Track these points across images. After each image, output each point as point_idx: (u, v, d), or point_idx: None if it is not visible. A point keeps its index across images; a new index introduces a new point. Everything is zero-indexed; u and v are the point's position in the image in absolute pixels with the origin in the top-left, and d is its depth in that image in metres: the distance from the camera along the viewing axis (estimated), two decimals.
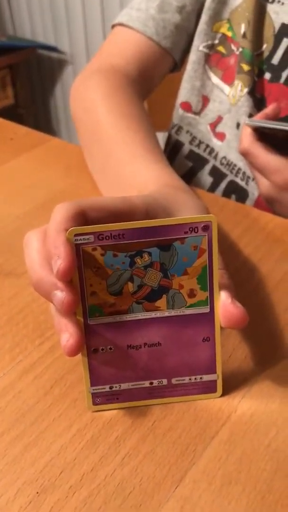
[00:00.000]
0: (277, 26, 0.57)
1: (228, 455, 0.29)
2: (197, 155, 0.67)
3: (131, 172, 0.44)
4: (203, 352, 0.31)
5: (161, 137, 0.78)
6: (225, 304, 0.30)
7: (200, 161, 0.67)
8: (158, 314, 0.30)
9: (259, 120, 0.50)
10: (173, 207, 0.34)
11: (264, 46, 0.58)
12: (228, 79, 0.62)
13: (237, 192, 0.64)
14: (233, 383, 0.33)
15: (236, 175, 0.64)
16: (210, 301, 0.30)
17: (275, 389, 0.33)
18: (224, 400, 0.32)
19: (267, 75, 0.58)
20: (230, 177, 0.64)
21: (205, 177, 0.67)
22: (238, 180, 0.63)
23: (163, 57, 0.63)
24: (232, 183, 0.64)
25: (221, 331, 0.31)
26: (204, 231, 0.29)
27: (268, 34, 0.58)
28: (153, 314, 0.30)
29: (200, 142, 0.67)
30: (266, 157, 0.49)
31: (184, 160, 0.69)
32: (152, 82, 0.65)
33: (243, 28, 0.58)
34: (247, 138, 0.51)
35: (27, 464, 0.29)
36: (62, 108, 2.02)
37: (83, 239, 0.28)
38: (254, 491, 0.28)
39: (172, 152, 0.70)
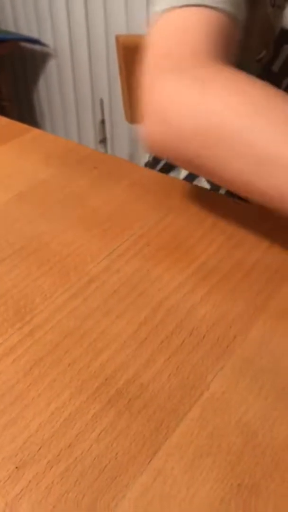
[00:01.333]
0: (276, 30, 0.56)
1: (200, 430, 0.31)
2: None
3: None
4: None
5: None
6: None
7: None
8: None
9: None
10: None
11: (264, 51, 0.57)
12: None
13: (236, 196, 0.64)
14: (206, 364, 0.34)
15: None
16: None
17: (246, 369, 0.34)
18: (196, 379, 0.34)
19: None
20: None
21: (203, 183, 0.68)
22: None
23: (234, 27, 0.46)
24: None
25: (195, 314, 0.33)
26: None
27: (268, 39, 0.57)
28: None
29: None
30: None
31: (181, 169, 0.70)
32: (232, 50, 0.47)
33: None
34: None
35: (6, 441, 0.30)
36: (46, 101, 2.01)
37: None
38: (224, 463, 0.29)
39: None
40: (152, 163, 0.78)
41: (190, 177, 0.70)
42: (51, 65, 1.92)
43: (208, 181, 0.68)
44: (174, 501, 0.28)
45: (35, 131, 0.61)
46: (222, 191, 0.66)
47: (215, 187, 0.67)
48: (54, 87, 1.96)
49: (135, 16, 1.54)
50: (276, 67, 0.58)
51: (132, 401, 0.32)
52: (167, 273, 0.42)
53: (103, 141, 1.87)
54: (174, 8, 0.45)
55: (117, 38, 0.88)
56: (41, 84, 2.00)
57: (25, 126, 0.62)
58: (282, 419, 0.31)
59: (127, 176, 0.53)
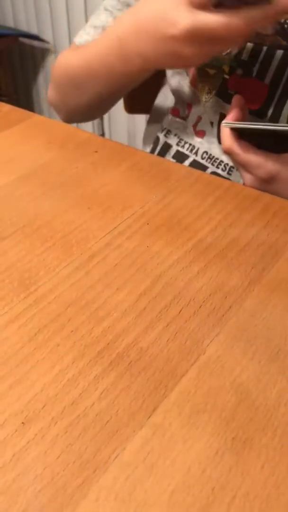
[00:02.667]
0: None
1: (197, 390, 0.32)
2: (181, 153, 0.71)
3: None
4: None
5: (140, 118, 0.81)
6: None
7: (181, 158, 0.71)
8: None
9: (233, 122, 0.55)
10: None
11: None
12: (193, 82, 0.66)
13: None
14: (202, 330, 0.36)
15: (217, 167, 0.67)
16: None
17: (240, 335, 0.36)
18: (193, 344, 0.35)
19: (239, 71, 0.61)
20: (211, 169, 0.68)
21: None
22: (219, 171, 0.67)
23: None
24: (213, 174, 0.67)
25: (194, 285, 0.34)
26: None
27: None
28: None
29: (185, 142, 0.71)
30: (246, 155, 0.54)
31: (170, 159, 0.73)
32: None
33: None
34: (227, 138, 0.55)
35: (12, 400, 0.32)
36: (45, 97, 2.03)
37: None
38: (219, 419, 0.31)
39: (161, 153, 0.73)
40: None
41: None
42: (51, 61, 1.93)
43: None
44: (171, 453, 0.29)
45: (36, 117, 0.63)
46: (220, 172, 0.68)
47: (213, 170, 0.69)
48: None
49: None
50: (245, 56, 0.60)
51: (133, 364, 0.34)
52: (165, 249, 0.43)
53: (101, 136, 1.88)
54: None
55: None
56: (40, 80, 2.01)
57: (27, 112, 0.63)
58: (274, 381, 0.33)
59: (127, 159, 0.55)
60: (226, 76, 0.62)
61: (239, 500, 0.27)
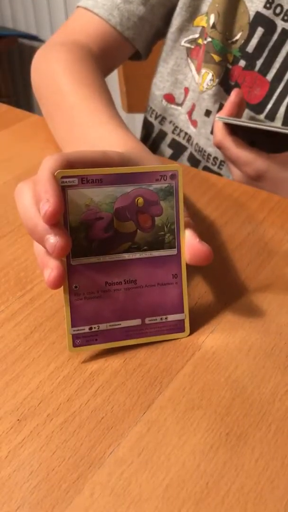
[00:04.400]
0: (252, 14, 0.59)
1: (192, 386, 0.33)
2: (178, 143, 0.71)
3: (97, 138, 0.46)
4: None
5: (139, 118, 0.81)
6: (191, 242, 0.33)
7: (179, 148, 0.71)
8: (131, 255, 0.33)
9: (227, 117, 0.55)
10: (143, 164, 0.37)
11: (239, 34, 0.60)
12: (198, 68, 0.65)
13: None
14: (198, 325, 0.36)
15: (207, 161, 0.67)
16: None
17: (235, 331, 0.36)
18: (189, 340, 0.35)
19: (242, 63, 0.61)
20: (203, 163, 0.68)
21: (184, 163, 0.71)
22: (209, 165, 0.67)
23: (125, 45, 0.64)
24: (205, 169, 0.67)
25: (190, 281, 0.34)
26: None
27: (243, 22, 0.60)
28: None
29: (180, 131, 0.70)
30: (237, 150, 0.54)
31: (167, 148, 0.72)
32: (111, 64, 0.66)
33: (212, 19, 0.61)
34: (219, 132, 0.55)
35: (8, 397, 0.32)
36: None
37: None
38: (214, 414, 0.31)
39: (157, 141, 0.73)
40: None
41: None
42: None
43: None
44: (166, 448, 0.29)
45: (33, 116, 0.63)
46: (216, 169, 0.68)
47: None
48: None
49: None
50: (250, 48, 0.60)
51: (128, 361, 0.34)
52: None
53: None
54: (78, 7, 0.65)
55: None
56: None
57: (24, 112, 0.64)
58: (269, 376, 0.33)
59: None
60: (229, 66, 0.62)
61: (233, 494, 0.27)
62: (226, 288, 0.39)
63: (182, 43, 0.66)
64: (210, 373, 0.33)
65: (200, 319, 0.37)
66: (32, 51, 1.95)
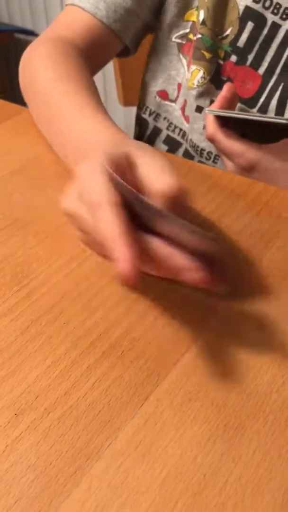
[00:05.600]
0: (241, 8, 0.58)
1: (189, 378, 0.33)
2: (173, 139, 0.71)
3: (82, 133, 0.45)
4: None
5: (133, 112, 0.81)
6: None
7: (174, 145, 0.71)
8: None
9: (217, 110, 0.55)
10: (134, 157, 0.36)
11: (230, 29, 0.60)
12: (188, 64, 0.65)
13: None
14: (194, 320, 0.36)
15: (201, 156, 0.67)
16: None
17: (231, 323, 0.36)
18: (186, 333, 0.35)
19: (234, 58, 0.61)
20: (197, 158, 0.68)
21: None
22: (204, 160, 0.67)
23: (112, 39, 0.63)
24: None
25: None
26: None
27: (233, 17, 0.59)
28: None
29: (175, 127, 0.70)
30: (229, 142, 0.54)
31: (161, 145, 0.72)
32: (99, 60, 0.65)
33: (202, 15, 0.60)
34: (211, 125, 0.55)
35: (5, 391, 0.32)
36: None
37: None
38: (211, 406, 0.31)
39: (151, 138, 0.73)
40: None
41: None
42: None
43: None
44: (163, 441, 0.29)
45: (27, 111, 0.62)
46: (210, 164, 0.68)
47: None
48: None
49: None
50: (241, 43, 0.60)
51: (125, 353, 0.34)
52: None
53: None
54: (67, 4, 0.64)
55: None
56: None
57: (18, 106, 0.63)
58: (266, 369, 0.33)
59: None
60: (221, 62, 0.62)
61: (230, 485, 0.27)
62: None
63: (174, 39, 0.65)
64: (207, 365, 0.33)
65: (197, 311, 0.37)
66: (28, 46, 1.95)
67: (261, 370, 0.33)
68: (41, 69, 0.55)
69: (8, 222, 0.46)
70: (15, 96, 2.33)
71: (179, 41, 0.65)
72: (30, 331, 0.36)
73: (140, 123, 0.74)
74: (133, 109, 0.85)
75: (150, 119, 0.72)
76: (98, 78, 0.61)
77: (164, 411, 0.31)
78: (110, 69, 0.92)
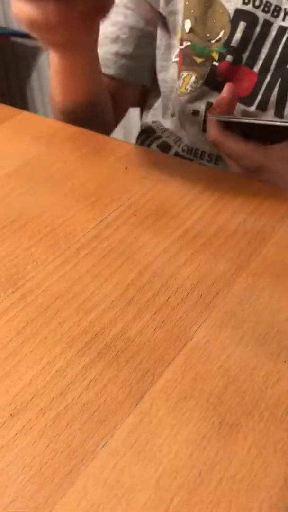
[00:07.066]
0: (231, 12, 0.59)
1: (184, 376, 0.33)
2: (165, 143, 0.71)
3: None
4: None
5: (135, 113, 0.81)
6: None
7: (165, 149, 0.71)
8: None
9: (221, 115, 0.55)
10: None
11: (222, 32, 0.60)
12: (178, 72, 0.66)
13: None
14: (189, 317, 0.36)
15: (201, 158, 0.67)
16: None
17: (228, 320, 0.36)
18: (180, 332, 0.35)
19: (229, 58, 0.61)
20: (197, 161, 0.68)
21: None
22: (205, 162, 0.67)
23: (126, 87, 0.69)
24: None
25: (181, 273, 0.34)
26: None
27: (224, 21, 0.60)
28: None
29: (171, 134, 0.71)
30: (233, 145, 0.54)
31: (156, 149, 0.73)
32: (122, 106, 0.72)
33: (189, 24, 0.61)
34: (213, 129, 0.55)
35: (0, 392, 0.32)
36: (39, 96, 2.03)
37: None
38: (206, 404, 0.31)
39: (149, 143, 0.74)
40: None
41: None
42: (43, 60, 1.93)
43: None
44: (158, 439, 0.29)
45: (24, 113, 0.63)
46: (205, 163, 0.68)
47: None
48: (46, 81, 1.97)
49: None
50: (234, 43, 0.60)
51: (120, 353, 0.34)
52: (153, 239, 0.43)
53: None
54: None
55: None
56: (34, 78, 2.01)
57: (15, 109, 0.63)
58: (261, 365, 0.33)
59: (114, 152, 0.55)
60: (216, 63, 0.62)
61: (226, 482, 0.27)
62: (218, 278, 0.39)
63: (173, 60, 0.66)
64: (202, 362, 0.33)
65: (192, 309, 0.37)
66: (25, 49, 1.95)
67: (256, 367, 0.33)
68: None
69: (3, 225, 0.46)
70: (13, 98, 2.34)
71: (177, 59, 0.66)
72: (26, 332, 0.36)
73: (144, 129, 0.76)
74: (131, 110, 0.85)
75: (154, 125, 0.74)
76: None
77: (160, 409, 0.31)
78: None
